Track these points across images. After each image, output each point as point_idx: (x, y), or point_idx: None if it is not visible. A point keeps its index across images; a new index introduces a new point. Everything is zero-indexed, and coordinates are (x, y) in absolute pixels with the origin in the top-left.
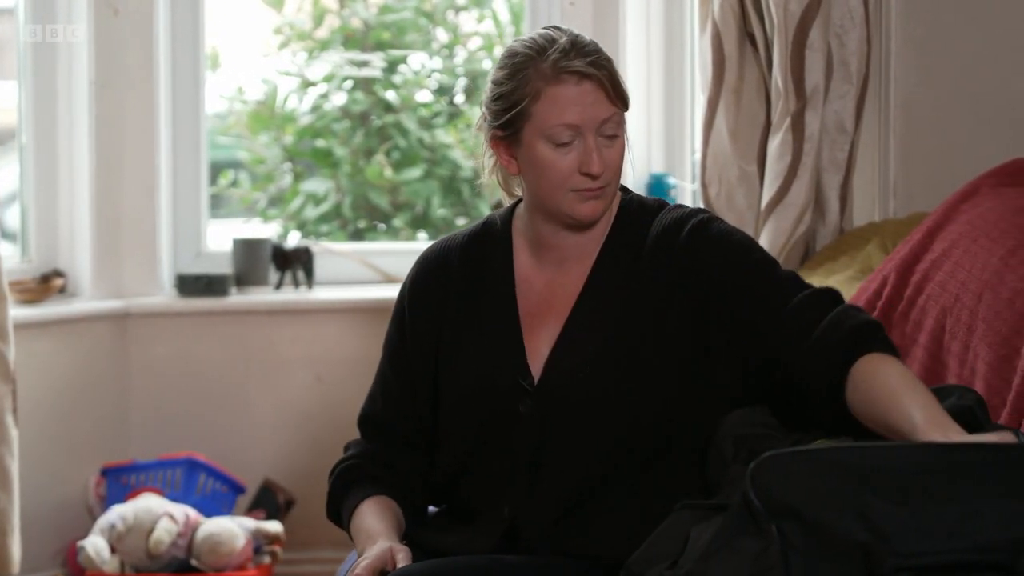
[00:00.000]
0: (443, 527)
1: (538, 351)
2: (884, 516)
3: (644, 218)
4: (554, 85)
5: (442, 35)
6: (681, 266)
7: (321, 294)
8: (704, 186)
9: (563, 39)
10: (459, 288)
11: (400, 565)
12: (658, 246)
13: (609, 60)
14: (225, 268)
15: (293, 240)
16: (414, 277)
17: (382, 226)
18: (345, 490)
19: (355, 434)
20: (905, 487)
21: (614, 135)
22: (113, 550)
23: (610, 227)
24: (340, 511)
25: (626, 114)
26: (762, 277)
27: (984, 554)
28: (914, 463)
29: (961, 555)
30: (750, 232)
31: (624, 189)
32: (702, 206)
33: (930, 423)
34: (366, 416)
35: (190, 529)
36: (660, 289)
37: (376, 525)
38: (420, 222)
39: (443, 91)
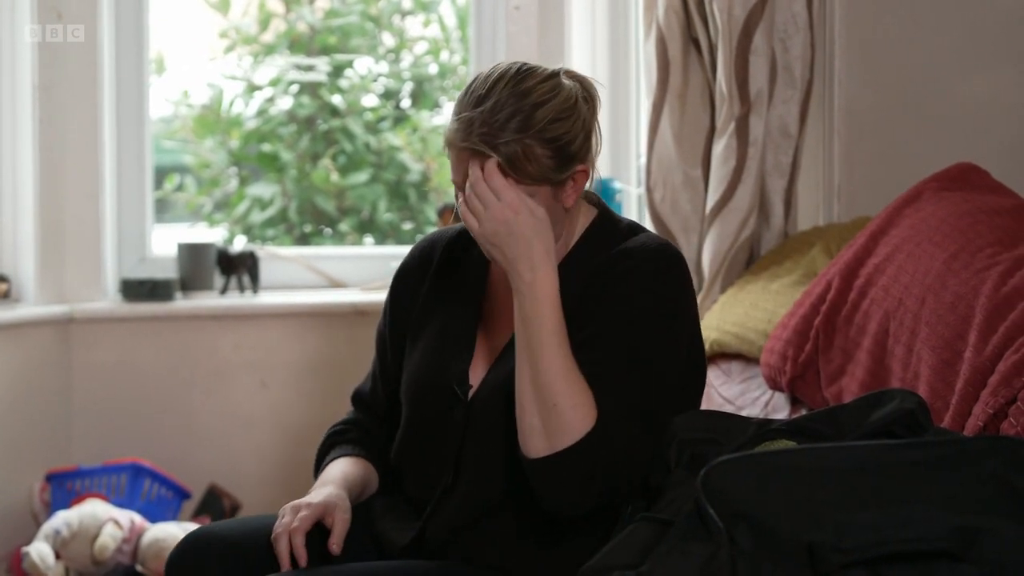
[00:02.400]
0: (381, 508)
1: (482, 361)
2: (831, 515)
3: (608, 241)
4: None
5: (388, 39)
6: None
7: (266, 299)
8: (649, 190)
9: (466, 98)
10: (436, 280)
11: (335, 532)
12: (600, 271)
13: (490, 124)
14: (170, 273)
15: (239, 245)
16: (402, 264)
17: (328, 231)
18: (327, 450)
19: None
20: (852, 486)
21: None
22: (58, 556)
23: (571, 248)
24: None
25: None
26: (600, 344)
27: (929, 543)
28: (860, 462)
29: (907, 545)
30: (694, 236)
31: (602, 207)
32: (646, 211)
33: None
34: (357, 392)
35: (135, 535)
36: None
37: (335, 475)
38: (366, 226)
39: (389, 95)
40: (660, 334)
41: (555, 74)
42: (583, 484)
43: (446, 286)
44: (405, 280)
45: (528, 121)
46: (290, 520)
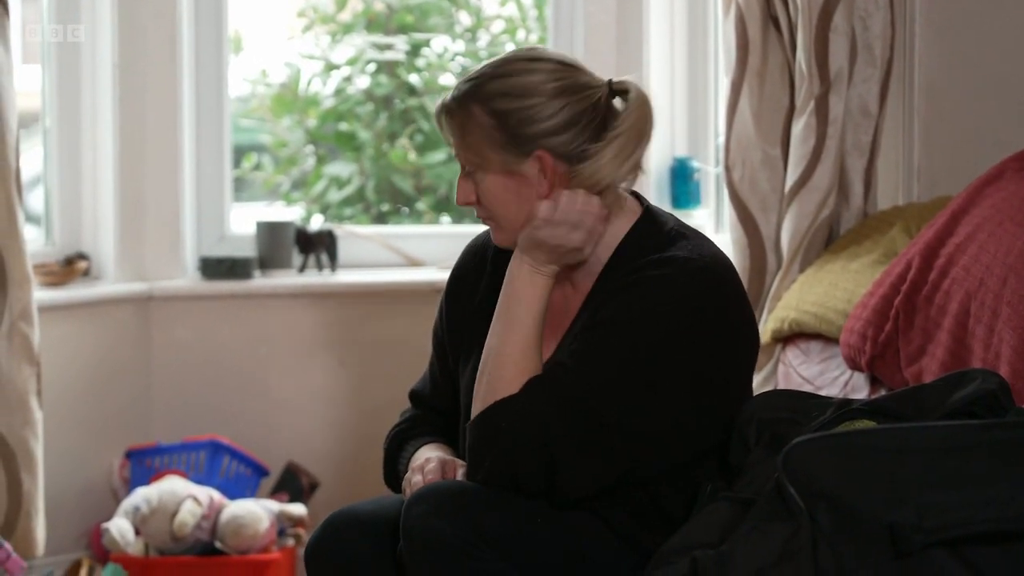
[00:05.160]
0: None
1: None
2: (912, 495)
3: (647, 246)
4: None
5: (465, 18)
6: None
7: (344, 277)
8: (727, 169)
9: (471, 73)
10: (488, 285)
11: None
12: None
13: (468, 105)
14: (248, 251)
15: (316, 223)
16: (457, 264)
17: (405, 209)
18: (400, 447)
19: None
20: (933, 466)
21: (471, 172)
22: (137, 532)
23: (613, 251)
24: (396, 469)
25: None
26: (581, 339)
27: (1011, 523)
28: (941, 443)
29: (989, 525)
30: (773, 216)
31: (647, 210)
32: (724, 190)
33: None
34: (414, 391)
35: (214, 511)
36: None
37: (431, 452)
38: (443, 206)
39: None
40: (643, 347)
41: (541, 59)
42: (484, 450)
43: (498, 290)
44: (458, 282)
45: (479, 89)
46: (420, 479)
